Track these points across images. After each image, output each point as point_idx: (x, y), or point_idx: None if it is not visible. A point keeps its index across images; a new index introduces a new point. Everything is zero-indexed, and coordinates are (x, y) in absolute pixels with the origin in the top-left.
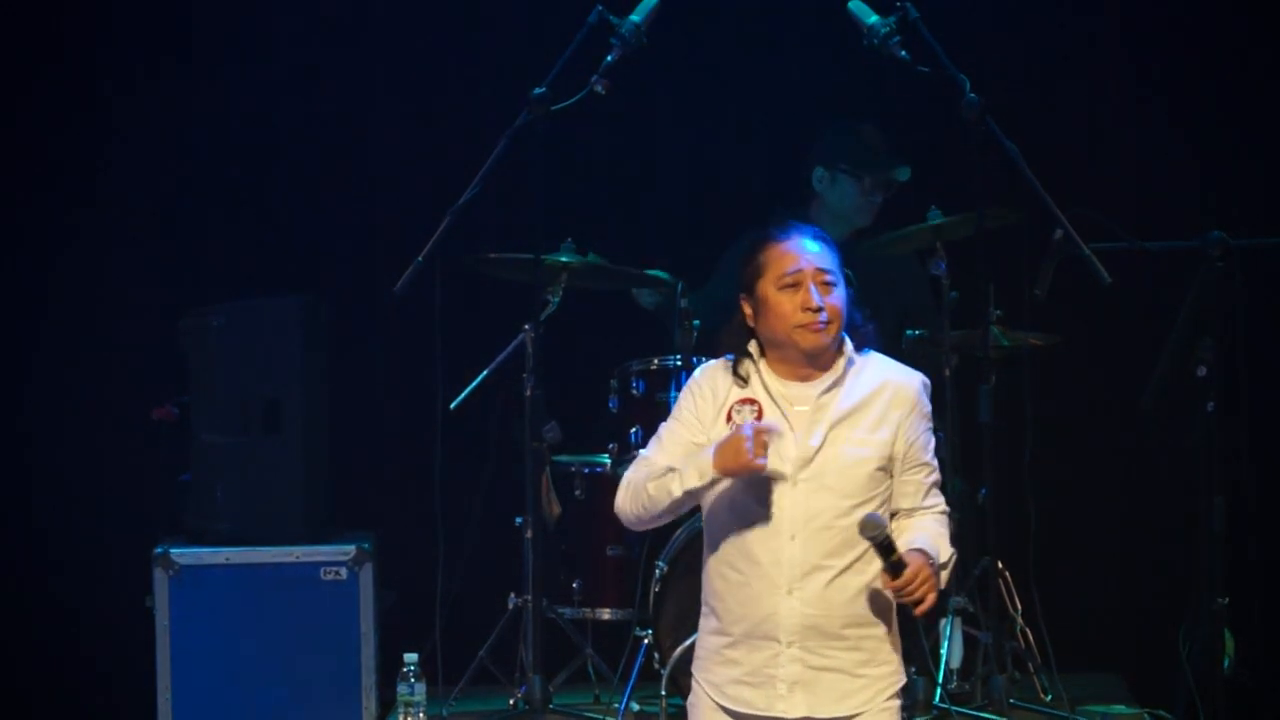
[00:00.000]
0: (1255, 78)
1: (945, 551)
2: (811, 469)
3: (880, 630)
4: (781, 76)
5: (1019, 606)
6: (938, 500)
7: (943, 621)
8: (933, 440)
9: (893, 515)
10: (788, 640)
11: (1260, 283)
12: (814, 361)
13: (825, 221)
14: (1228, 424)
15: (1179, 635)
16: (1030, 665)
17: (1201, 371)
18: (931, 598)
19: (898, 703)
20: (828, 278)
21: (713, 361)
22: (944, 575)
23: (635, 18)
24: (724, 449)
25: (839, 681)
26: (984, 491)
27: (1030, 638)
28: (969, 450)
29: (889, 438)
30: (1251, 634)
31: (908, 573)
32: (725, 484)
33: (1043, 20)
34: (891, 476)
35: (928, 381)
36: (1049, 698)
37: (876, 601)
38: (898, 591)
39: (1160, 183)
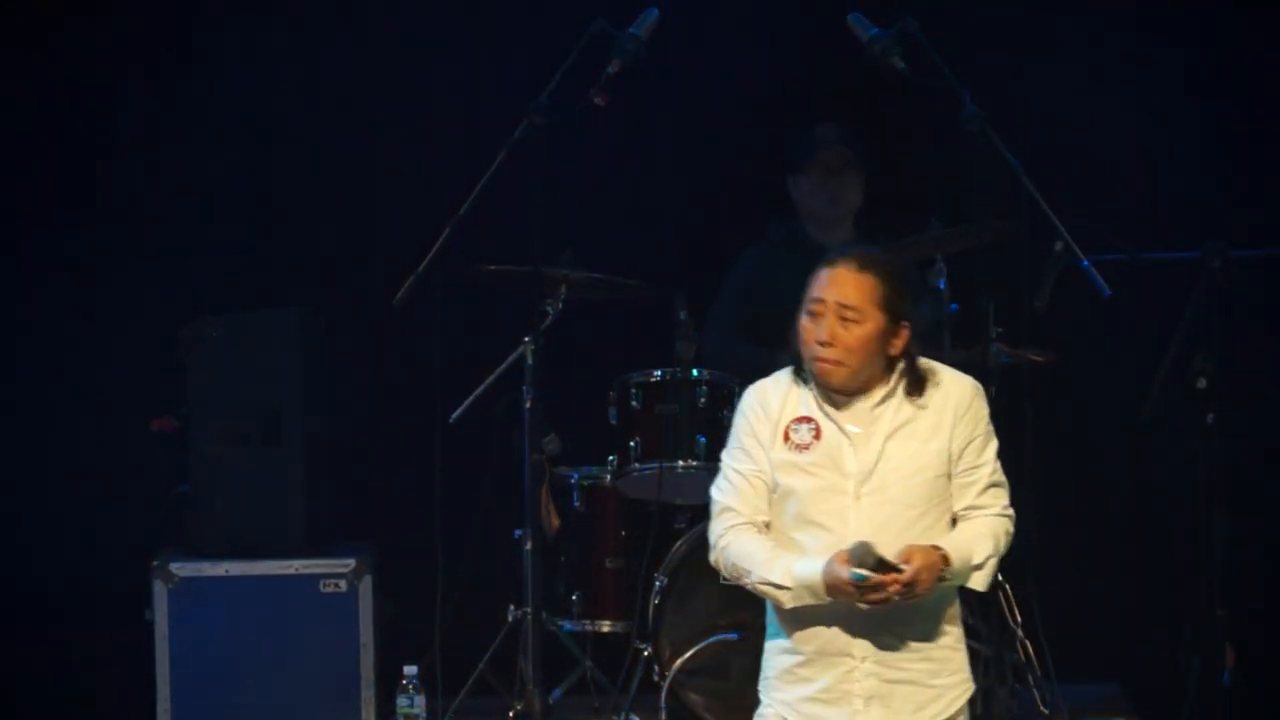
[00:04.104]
0: (1256, 86)
1: (980, 553)
2: (873, 482)
3: (949, 639)
4: (782, 87)
5: (1019, 619)
6: (994, 501)
7: None
8: (993, 442)
9: (953, 518)
10: (862, 655)
11: (1260, 293)
12: (866, 382)
13: (811, 227)
14: (1227, 435)
15: (1179, 647)
16: (1030, 678)
17: (1201, 383)
18: (881, 606)
19: (968, 712)
20: (849, 313)
21: (761, 381)
22: (978, 576)
23: (635, 30)
24: (837, 588)
25: (913, 693)
26: None
27: (1030, 650)
28: None
29: (944, 444)
30: (1252, 646)
31: (875, 578)
32: (788, 501)
33: (1043, 27)
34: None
35: (980, 385)
36: (1049, 710)
37: (945, 610)
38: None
39: (1161, 193)
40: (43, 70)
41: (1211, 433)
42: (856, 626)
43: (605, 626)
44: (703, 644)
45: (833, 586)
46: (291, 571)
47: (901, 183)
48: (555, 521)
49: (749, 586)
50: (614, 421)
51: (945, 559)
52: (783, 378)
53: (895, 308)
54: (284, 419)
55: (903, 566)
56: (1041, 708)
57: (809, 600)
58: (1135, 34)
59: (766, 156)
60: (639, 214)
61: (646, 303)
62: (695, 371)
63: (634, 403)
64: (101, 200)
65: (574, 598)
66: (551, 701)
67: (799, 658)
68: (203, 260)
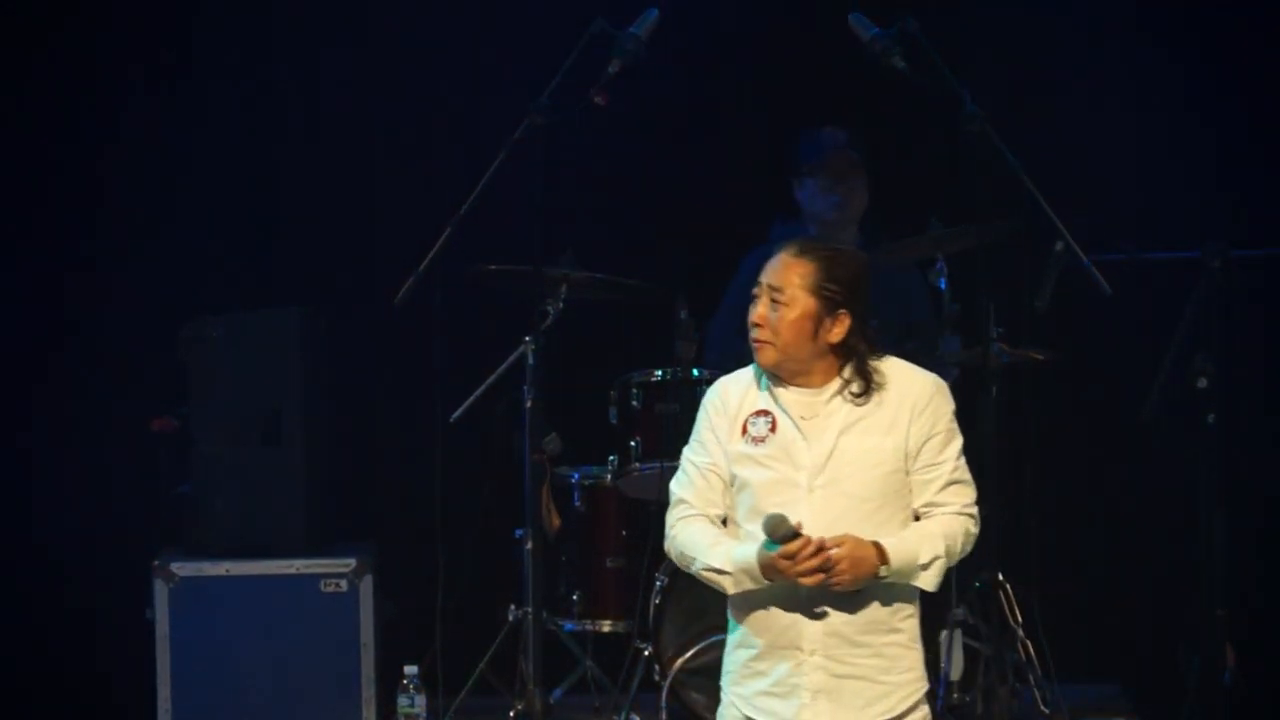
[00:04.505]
0: (1256, 87)
1: (926, 553)
2: (826, 475)
3: (902, 637)
4: (782, 87)
5: (1020, 618)
6: (954, 499)
7: (943, 634)
8: (955, 440)
9: (915, 514)
10: (810, 649)
11: (1260, 293)
12: (807, 369)
13: (816, 229)
14: (1227, 435)
15: (1179, 647)
16: (1031, 677)
17: (1201, 383)
18: (810, 580)
19: (925, 709)
20: (778, 295)
21: (724, 377)
22: (925, 576)
23: (635, 30)
24: (770, 567)
25: (863, 689)
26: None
27: (1031, 649)
28: (969, 463)
29: (901, 440)
30: (1252, 646)
31: (791, 546)
32: (742, 494)
33: (1043, 27)
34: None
35: (943, 383)
36: (1049, 710)
37: (898, 608)
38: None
39: (1161, 193)
40: (43, 70)
41: (1211, 433)
42: (806, 620)
43: (606, 626)
44: (703, 644)
45: (766, 567)
46: (292, 571)
47: (901, 183)
48: (556, 521)
49: (695, 574)
50: (614, 421)
51: (882, 555)
52: (745, 373)
53: (831, 295)
54: (284, 419)
55: (821, 541)
56: (1041, 707)
57: (749, 585)
58: (1135, 34)
59: (767, 157)
60: (639, 214)
61: (646, 303)
62: (695, 371)
63: (634, 402)
64: (102, 200)
65: (574, 597)
66: (552, 701)
67: (754, 651)
68: (203, 260)
